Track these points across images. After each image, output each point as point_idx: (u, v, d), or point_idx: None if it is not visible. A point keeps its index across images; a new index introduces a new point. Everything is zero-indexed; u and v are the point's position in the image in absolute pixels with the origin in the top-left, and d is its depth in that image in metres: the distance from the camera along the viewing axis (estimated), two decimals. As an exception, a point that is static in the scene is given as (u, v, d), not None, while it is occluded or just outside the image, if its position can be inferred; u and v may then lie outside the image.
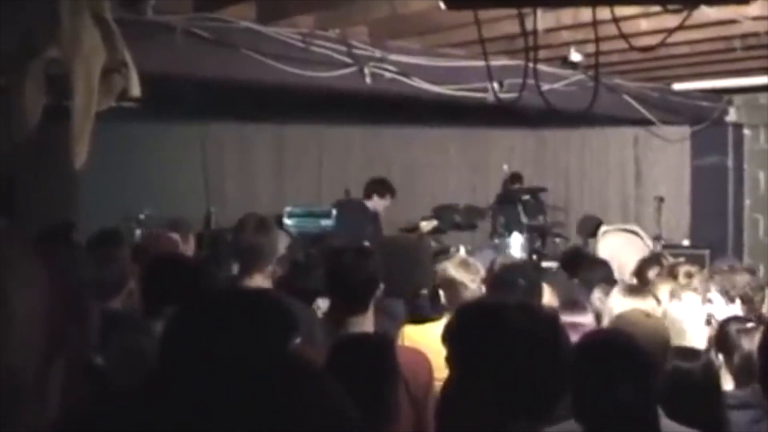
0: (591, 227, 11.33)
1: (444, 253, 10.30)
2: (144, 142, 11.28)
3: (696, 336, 5.63)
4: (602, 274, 7.54)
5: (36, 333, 1.42)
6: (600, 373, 3.39)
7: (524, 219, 11.98)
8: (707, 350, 4.95)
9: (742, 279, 6.11)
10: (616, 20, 4.33)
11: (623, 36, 5.11)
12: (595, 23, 4.49)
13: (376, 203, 11.18)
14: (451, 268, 5.83)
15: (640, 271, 7.51)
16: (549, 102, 7.12)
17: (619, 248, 9.93)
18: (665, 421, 3.60)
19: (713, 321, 5.66)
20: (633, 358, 3.43)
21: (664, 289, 6.13)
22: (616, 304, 5.36)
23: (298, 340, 3.91)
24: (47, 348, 1.45)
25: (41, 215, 9.28)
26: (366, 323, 4.56)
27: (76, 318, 1.54)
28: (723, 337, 4.84)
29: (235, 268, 5.97)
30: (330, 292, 4.84)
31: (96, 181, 9.76)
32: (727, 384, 4.66)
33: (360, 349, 3.85)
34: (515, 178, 12.74)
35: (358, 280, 4.62)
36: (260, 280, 5.45)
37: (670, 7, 4.98)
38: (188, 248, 8.40)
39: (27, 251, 1.50)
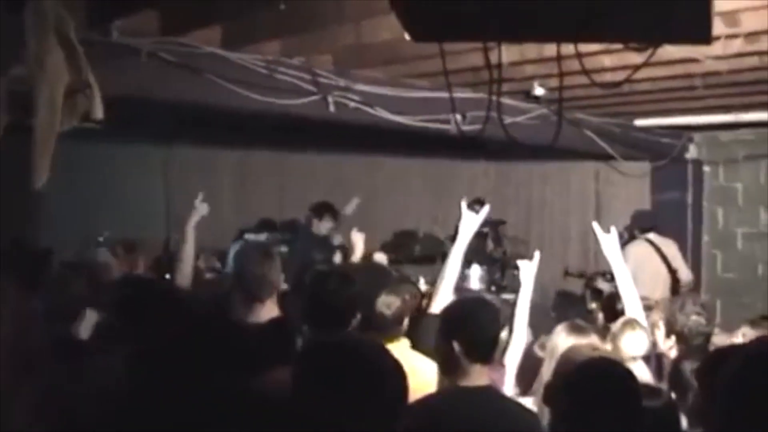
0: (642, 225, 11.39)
1: (406, 282, 10.31)
2: (106, 163, 11.24)
3: (641, 371, 5.71)
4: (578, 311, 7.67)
5: (7, 349, 1.42)
6: (579, 401, 3.42)
7: (483, 250, 12.03)
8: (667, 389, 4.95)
9: (686, 320, 6.17)
10: (579, 56, 4.36)
11: (585, 72, 5.12)
12: (559, 58, 4.52)
13: (319, 227, 11.25)
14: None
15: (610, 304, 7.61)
16: (510, 135, 7.16)
17: (642, 260, 10.20)
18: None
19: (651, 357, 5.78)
20: (613, 387, 3.44)
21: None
22: (560, 342, 5.41)
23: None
24: (13, 373, 1.44)
25: (3, 233, 9.24)
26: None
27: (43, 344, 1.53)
28: (677, 375, 4.82)
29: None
30: (309, 315, 4.83)
31: (57, 201, 9.72)
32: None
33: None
34: (480, 203, 12.76)
35: (336, 307, 4.63)
36: (272, 308, 5.47)
37: (632, 45, 5.03)
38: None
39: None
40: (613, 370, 3.66)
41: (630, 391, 3.49)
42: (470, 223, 6.31)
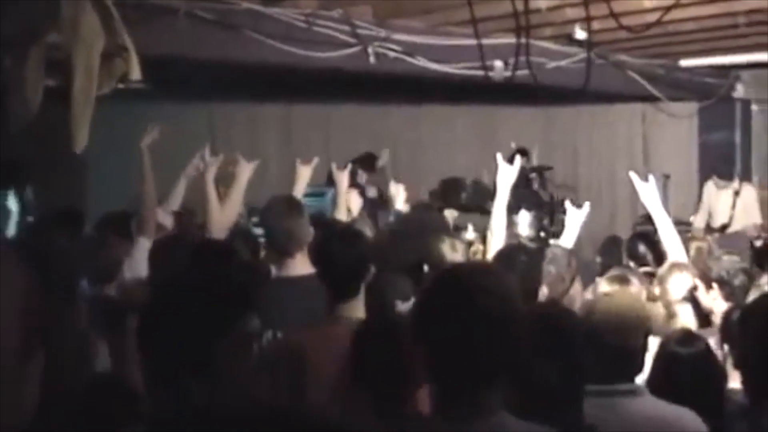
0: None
1: (456, 230, 10.30)
2: (151, 123, 11.27)
3: (687, 315, 5.67)
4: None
5: (10, 330, 1.41)
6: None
7: (530, 197, 11.98)
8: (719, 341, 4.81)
9: (718, 264, 6.07)
10: None
11: (613, 15, 5.09)
12: (584, 2, 4.47)
13: (363, 178, 11.19)
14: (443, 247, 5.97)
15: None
16: (538, 80, 7.16)
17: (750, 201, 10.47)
18: (649, 399, 3.61)
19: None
20: (552, 335, 3.35)
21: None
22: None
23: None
24: (23, 345, 1.43)
25: (49, 199, 9.31)
26: (356, 307, 4.54)
27: (57, 315, 1.53)
28: (727, 327, 4.65)
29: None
30: (320, 277, 4.80)
31: (104, 163, 9.77)
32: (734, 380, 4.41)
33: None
34: (522, 152, 12.71)
35: (345, 265, 4.59)
36: (302, 262, 5.41)
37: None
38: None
39: (3, 249, 1.50)
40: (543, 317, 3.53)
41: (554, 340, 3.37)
42: (507, 174, 6.24)
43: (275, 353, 4.59)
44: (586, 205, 6.61)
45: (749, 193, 11.47)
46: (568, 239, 6.42)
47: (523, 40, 6.72)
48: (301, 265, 5.38)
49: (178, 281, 3.00)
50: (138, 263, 6.00)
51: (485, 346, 2.70)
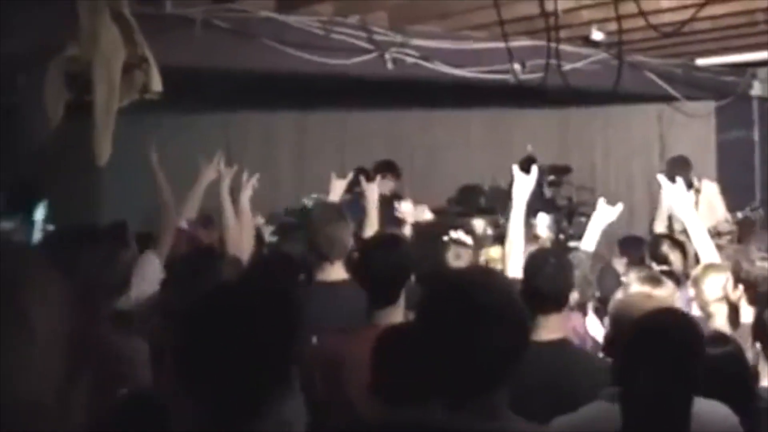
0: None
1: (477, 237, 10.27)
2: (167, 134, 11.27)
3: (721, 316, 5.64)
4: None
5: (56, 352, 1.38)
6: (633, 354, 3.36)
7: (549, 199, 11.95)
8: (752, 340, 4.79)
9: (751, 267, 6.02)
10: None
11: (642, 14, 5.04)
12: (613, 2, 4.44)
13: (381, 186, 11.08)
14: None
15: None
16: (568, 82, 7.09)
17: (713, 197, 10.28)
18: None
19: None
20: (666, 342, 3.36)
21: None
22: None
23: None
24: (69, 367, 1.41)
25: (72, 212, 9.30)
26: (395, 314, 4.52)
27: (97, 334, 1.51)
28: (760, 325, 4.63)
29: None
30: (360, 284, 4.80)
31: (119, 176, 9.76)
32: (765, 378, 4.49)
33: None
34: (531, 161, 12.67)
35: (385, 271, 4.58)
36: (339, 270, 5.51)
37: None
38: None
39: (46, 267, 1.47)
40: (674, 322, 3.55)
41: (692, 342, 3.39)
42: (523, 185, 6.20)
43: (313, 358, 4.57)
44: (619, 206, 6.55)
45: (710, 188, 11.20)
46: (589, 241, 6.38)
47: (543, 43, 6.68)
48: (339, 271, 5.47)
49: (248, 295, 2.91)
50: (147, 277, 6.00)
51: (487, 346, 2.72)
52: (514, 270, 5.60)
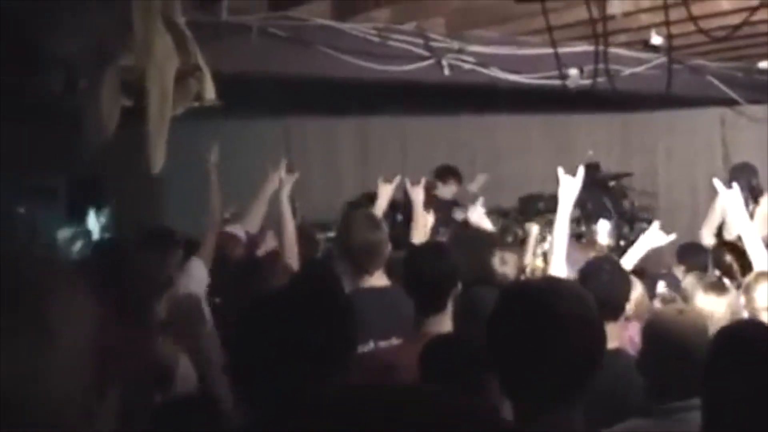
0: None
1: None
2: (227, 140, 11.32)
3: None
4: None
5: (82, 364, 1.38)
6: (717, 361, 3.31)
7: (610, 205, 11.87)
8: None
9: None
10: (685, 2, 4.24)
11: (693, 19, 4.99)
12: (666, 6, 4.40)
13: (443, 191, 11.03)
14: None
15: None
16: (616, 87, 7.04)
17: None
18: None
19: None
20: (748, 351, 3.30)
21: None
22: (699, 300, 5.30)
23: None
24: (97, 380, 1.40)
25: (128, 219, 9.39)
26: (444, 322, 4.50)
27: (134, 344, 1.51)
28: None
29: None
30: (407, 291, 4.77)
31: (181, 182, 9.83)
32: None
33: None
34: (594, 167, 12.57)
35: (432, 279, 4.56)
36: (381, 277, 5.41)
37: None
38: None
39: (72, 276, 1.47)
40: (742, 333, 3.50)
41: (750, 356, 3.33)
42: (569, 188, 6.12)
43: (367, 365, 4.55)
44: (672, 236, 6.54)
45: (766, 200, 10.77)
46: (630, 260, 6.35)
47: (599, 48, 6.63)
48: (379, 280, 5.38)
49: (297, 301, 2.93)
50: (194, 280, 6.04)
51: (561, 358, 2.67)
52: (556, 272, 5.57)
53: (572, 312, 2.71)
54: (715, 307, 5.46)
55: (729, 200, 6.66)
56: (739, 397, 3.15)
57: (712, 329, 4.02)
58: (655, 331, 4.28)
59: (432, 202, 8.69)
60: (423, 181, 7.89)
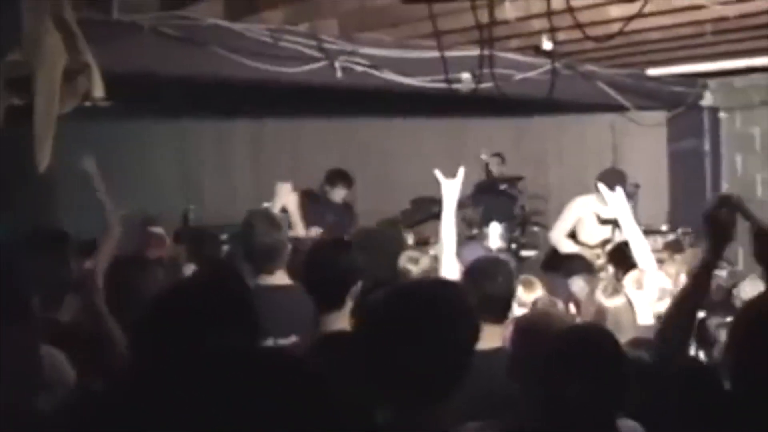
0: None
1: (425, 243, 10.32)
2: (121, 141, 11.21)
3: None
4: (581, 266, 7.62)
5: None
6: (550, 368, 3.36)
7: (501, 208, 12.01)
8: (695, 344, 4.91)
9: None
10: (571, 10, 4.32)
11: (578, 26, 5.08)
12: (549, 13, 4.48)
13: (332, 194, 11.05)
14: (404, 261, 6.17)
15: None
16: (502, 91, 7.15)
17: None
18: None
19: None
20: (585, 355, 3.35)
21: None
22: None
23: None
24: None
25: (17, 221, 9.22)
26: (342, 320, 4.50)
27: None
28: (702, 331, 4.77)
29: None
30: (306, 288, 4.77)
31: (73, 182, 9.70)
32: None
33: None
34: (497, 156, 12.86)
35: (330, 276, 4.56)
36: (282, 276, 5.46)
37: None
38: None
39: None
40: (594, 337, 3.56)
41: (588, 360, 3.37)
42: (450, 189, 6.21)
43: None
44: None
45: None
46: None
47: (486, 52, 6.71)
48: (281, 279, 5.44)
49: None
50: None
51: (428, 357, 2.71)
52: (447, 273, 5.63)
53: (442, 311, 2.77)
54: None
55: (615, 202, 6.81)
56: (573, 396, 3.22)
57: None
58: (519, 335, 4.39)
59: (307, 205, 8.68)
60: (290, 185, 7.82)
